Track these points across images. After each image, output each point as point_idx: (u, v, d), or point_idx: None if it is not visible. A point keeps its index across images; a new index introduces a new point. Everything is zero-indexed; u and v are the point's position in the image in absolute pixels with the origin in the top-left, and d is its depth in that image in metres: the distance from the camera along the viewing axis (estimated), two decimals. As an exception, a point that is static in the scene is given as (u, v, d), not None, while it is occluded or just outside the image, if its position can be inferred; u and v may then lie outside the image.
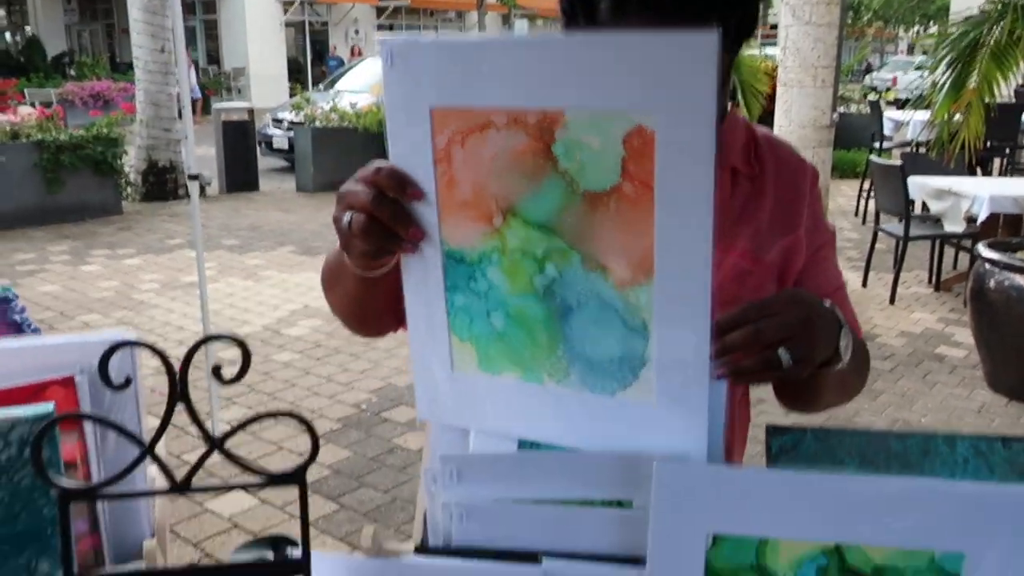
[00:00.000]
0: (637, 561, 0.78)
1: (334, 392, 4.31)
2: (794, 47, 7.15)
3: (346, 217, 0.78)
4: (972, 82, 6.26)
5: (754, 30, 1.00)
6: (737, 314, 0.81)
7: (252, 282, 6.46)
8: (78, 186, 8.39)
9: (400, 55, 0.73)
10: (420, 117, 0.74)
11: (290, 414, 0.64)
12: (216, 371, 0.61)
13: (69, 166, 8.20)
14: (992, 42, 6.22)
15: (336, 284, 1.04)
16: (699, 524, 0.75)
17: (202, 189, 9.71)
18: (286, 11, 24.57)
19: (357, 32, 27.43)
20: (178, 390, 0.60)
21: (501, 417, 0.82)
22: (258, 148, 10.87)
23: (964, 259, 6.45)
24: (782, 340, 0.81)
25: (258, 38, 23.33)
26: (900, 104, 12.02)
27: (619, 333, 0.74)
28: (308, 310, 5.71)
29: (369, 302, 1.01)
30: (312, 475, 3.49)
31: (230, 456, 0.63)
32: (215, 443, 0.62)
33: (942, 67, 6.52)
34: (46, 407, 0.69)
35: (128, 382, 0.61)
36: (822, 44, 6.94)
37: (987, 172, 8.80)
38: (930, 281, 6.39)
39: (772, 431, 0.89)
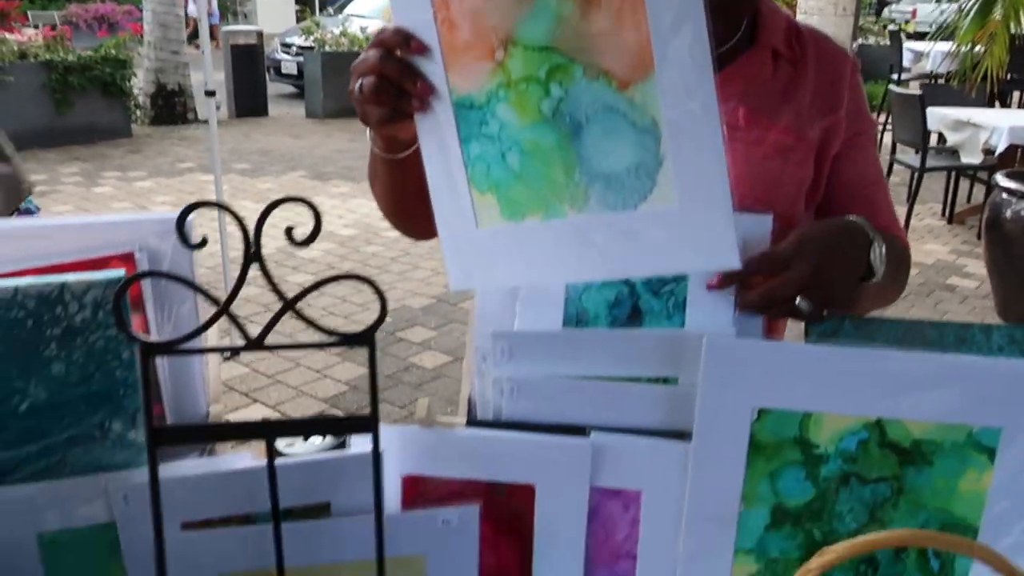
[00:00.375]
0: (682, 435, 0.81)
1: (349, 312, 4.36)
2: (816, -27, 6.99)
3: (358, 84, 0.82)
4: (998, 11, 6.13)
5: None
6: (745, 276, 0.84)
7: (264, 206, 6.43)
8: (87, 108, 8.33)
9: None
10: None
11: (358, 277, 0.66)
12: (288, 232, 0.63)
13: (78, 87, 8.13)
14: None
15: (376, 179, 1.06)
16: (745, 398, 0.77)
17: (211, 113, 9.62)
18: (293, -68, 23.99)
19: (365, -45, 26.81)
20: (251, 250, 0.62)
21: (531, 266, 0.82)
22: (266, 74, 10.74)
23: (978, 192, 6.41)
24: (797, 293, 0.84)
25: (264, -40, 22.83)
26: (919, 37, 11.77)
27: (631, 137, 0.75)
28: (322, 233, 5.70)
29: (403, 191, 1.02)
30: (330, 391, 3.56)
31: (301, 316, 0.65)
32: (288, 303, 0.64)
33: (969, -8, 6.37)
34: (117, 272, 0.72)
35: (204, 242, 0.62)
36: (844, -30, 6.79)
37: (1006, 105, 8.68)
38: (944, 214, 6.36)
39: (811, 318, 0.91)
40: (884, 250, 0.92)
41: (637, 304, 0.90)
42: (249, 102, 10.19)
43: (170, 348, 0.63)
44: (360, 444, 0.83)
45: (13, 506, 0.72)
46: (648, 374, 0.83)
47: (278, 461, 0.76)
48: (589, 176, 0.78)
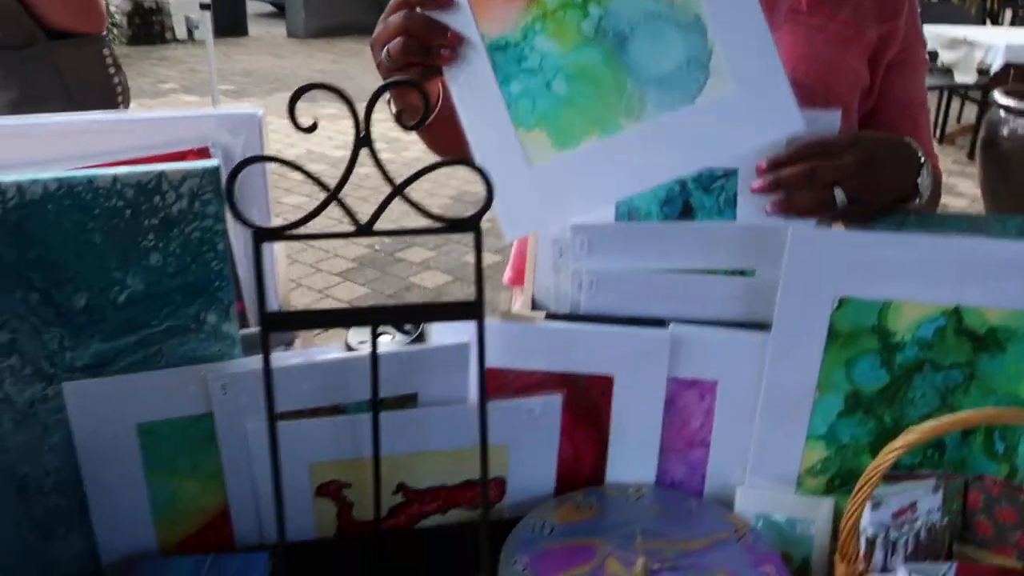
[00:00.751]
0: (758, 326, 0.83)
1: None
2: None
3: (383, 53, 0.78)
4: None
5: None
6: (794, 152, 0.84)
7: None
8: (62, 27, 8.07)
9: None
10: None
11: (463, 161, 0.66)
12: (399, 115, 0.63)
13: (51, 5, 7.86)
14: None
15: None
16: (828, 288, 0.78)
17: (190, 32, 9.39)
18: None
19: None
20: (361, 134, 0.62)
21: (592, 190, 0.80)
22: (244, -9, 10.43)
23: (969, 112, 6.42)
24: (837, 181, 0.84)
25: None
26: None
27: (678, 36, 0.77)
28: (312, 155, 5.66)
29: (441, 144, 1.02)
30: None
31: (411, 202, 0.65)
32: (396, 188, 0.64)
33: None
34: (212, 162, 0.71)
35: (315, 126, 0.62)
36: None
37: (997, 23, 8.62)
38: (934, 133, 6.37)
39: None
40: (931, 177, 0.94)
41: (688, 201, 0.90)
42: (228, 21, 9.92)
43: (280, 234, 0.63)
44: (440, 338, 0.84)
45: (113, 397, 0.73)
46: (726, 267, 0.85)
47: (366, 353, 0.77)
48: (641, 82, 0.78)
